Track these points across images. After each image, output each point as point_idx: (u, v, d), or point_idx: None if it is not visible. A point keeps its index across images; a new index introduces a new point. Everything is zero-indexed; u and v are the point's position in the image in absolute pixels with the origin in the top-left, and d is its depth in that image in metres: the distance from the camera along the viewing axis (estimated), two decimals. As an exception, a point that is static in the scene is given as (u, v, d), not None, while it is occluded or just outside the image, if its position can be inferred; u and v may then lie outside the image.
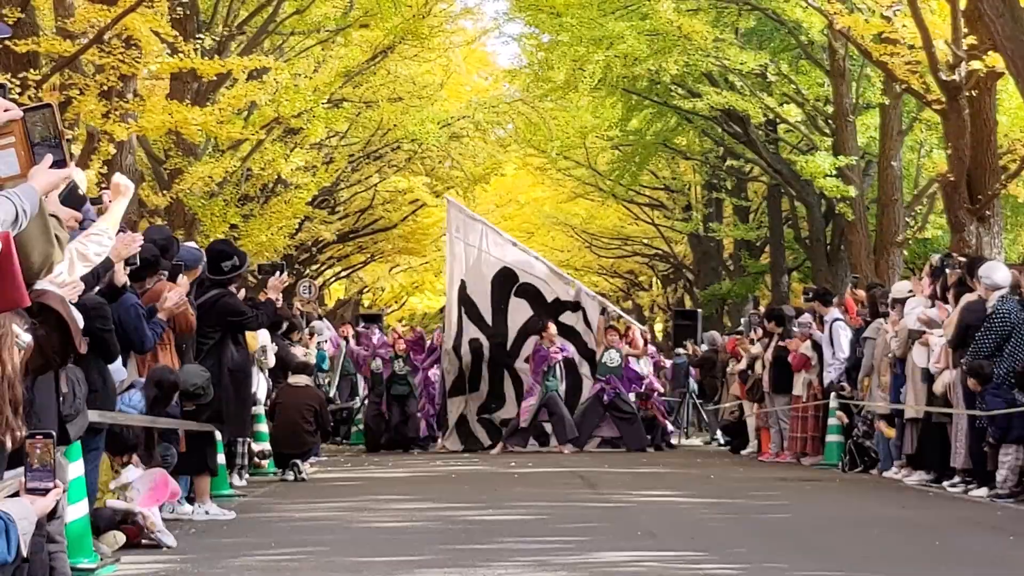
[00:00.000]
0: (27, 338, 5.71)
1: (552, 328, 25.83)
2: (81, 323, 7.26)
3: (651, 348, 30.52)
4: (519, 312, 26.67)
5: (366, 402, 28.21)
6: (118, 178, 8.77)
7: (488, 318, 26.78)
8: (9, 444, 5.52)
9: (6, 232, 5.04)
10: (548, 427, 25.99)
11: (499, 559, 10.08)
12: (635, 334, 27.88)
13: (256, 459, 19.40)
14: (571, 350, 26.14)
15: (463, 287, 26.99)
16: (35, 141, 5.14)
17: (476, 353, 26.55)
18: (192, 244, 16.27)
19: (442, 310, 26.89)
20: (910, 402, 17.92)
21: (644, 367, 27.67)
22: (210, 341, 13.97)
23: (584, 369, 26.60)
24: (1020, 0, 18.75)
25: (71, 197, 8.14)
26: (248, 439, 18.44)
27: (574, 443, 25.61)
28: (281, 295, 15.86)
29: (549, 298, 26.88)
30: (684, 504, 15.29)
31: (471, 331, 26.76)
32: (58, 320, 6.60)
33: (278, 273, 15.17)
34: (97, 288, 10.08)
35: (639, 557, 10.28)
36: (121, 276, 10.90)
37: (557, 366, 25.76)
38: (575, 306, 26.96)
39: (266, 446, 19.41)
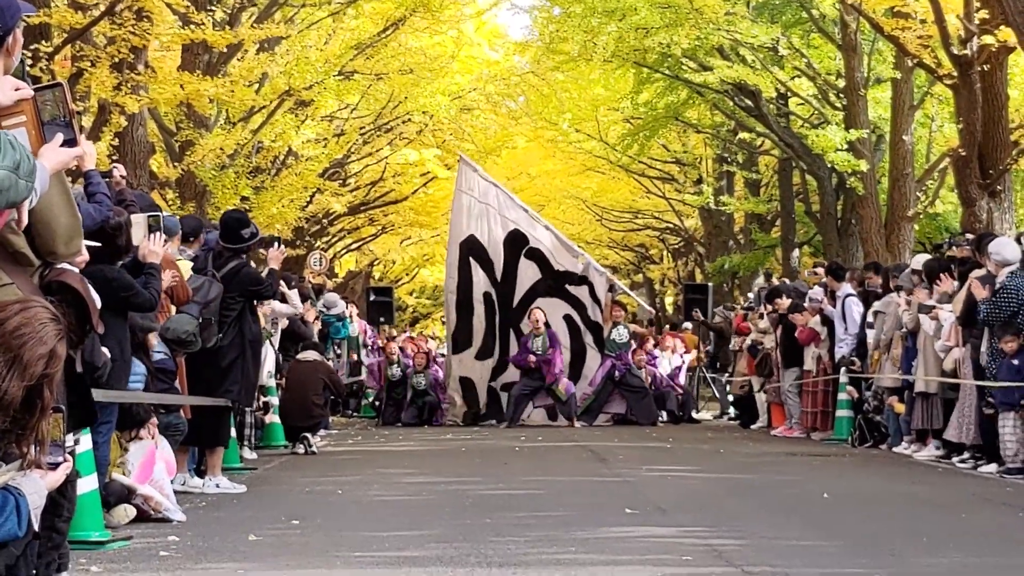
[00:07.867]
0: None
1: (537, 315, 25.84)
2: (99, 302, 7.27)
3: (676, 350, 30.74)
4: (529, 272, 26.71)
5: (382, 402, 28.36)
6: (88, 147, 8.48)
7: (498, 274, 26.75)
8: None
9: None
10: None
11: (509, 534, 10.10)
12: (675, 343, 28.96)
13: (259, 415, 19.19)
14: (557, 336, 26.08)
15: (473, 239, 26.91)
16: (45, 120, 5.15)
17: (488, 308, 26.56)
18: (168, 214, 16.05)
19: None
20: (921, 377, 17.92)
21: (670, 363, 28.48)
22: (232, 312, 13.86)
23: (588, 339, 26.50)
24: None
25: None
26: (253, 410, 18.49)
27: (582, 418, 25.68)
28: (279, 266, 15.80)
29: (556, 267, 26.84)
30: (694, 479, 15.31)
31: (482, 284, 26.72)
32: (75, 298, 6.61)
33: (276, 245, 15.06)
34: (120, 263, 10.22)
35: (649, 532, 10.29)
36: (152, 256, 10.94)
37: (540, 339, 25.75)
38: (580, 280, 26.84)
39: (273, 401, 19.44)
